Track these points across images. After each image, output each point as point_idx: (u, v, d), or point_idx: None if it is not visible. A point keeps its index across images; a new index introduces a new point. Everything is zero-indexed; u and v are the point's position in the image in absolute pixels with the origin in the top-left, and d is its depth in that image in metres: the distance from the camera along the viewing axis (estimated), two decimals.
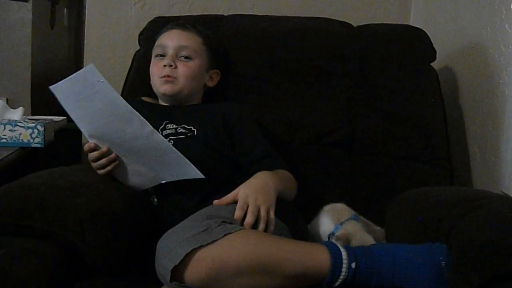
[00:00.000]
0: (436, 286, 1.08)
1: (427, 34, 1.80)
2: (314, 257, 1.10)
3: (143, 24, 1.89)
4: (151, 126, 1.27)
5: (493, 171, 1.65)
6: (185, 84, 1.58)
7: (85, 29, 2.19)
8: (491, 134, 1.67)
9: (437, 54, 1.79)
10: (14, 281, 1.03)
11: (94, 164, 1.38)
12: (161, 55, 1.61)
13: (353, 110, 1.75)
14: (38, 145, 1.71)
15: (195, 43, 1.62)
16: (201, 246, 1.05)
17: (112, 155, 1.35)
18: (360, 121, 1.74)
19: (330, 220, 1.44)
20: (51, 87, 1.26)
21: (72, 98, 1.28)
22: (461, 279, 1.02)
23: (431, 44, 1.78)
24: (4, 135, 1.70)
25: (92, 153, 1.36)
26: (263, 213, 1.22)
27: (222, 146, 1.53)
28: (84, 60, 2.20)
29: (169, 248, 1.07)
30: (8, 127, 1.70)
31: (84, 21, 2.20)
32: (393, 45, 1.79)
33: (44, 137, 1.71)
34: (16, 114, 1.84)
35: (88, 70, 1.23)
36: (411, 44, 1.79)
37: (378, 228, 1.51)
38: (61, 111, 1.32)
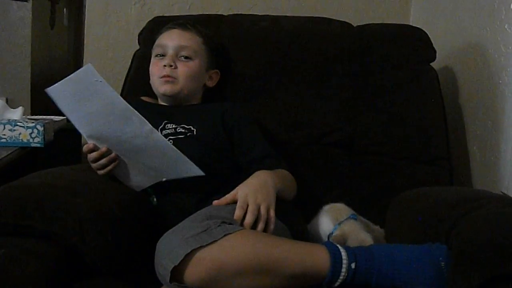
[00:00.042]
0: (436, 287, 1.08)
1: (427, 34, 1.80)
2: (314, 257, 1.10)
3: (143, 24, 1.89)
4: (150, 125, 1.27)
5: (493, 171, 1.65)
6: (185, 84, 1.58)
7: (85, 29, 2.19)
8: (491, 134, 1.67)
9: (437, 54, 1.79)
10: (14, 281, 1.02)
11: (94, 165, 1.38)
12: (161, 55, 1.61)
13: (353, 110, 1.75)
14: (38, 145, 1.71)
15: (195, 43, 1.62)
16: (201, 247, 1.04)
17: (112, 155, 1.35)
18: (360, 121, 1.74)
19: (329, 220, 1.44)
20: (48, 90, 1.25)
21: (70, 99, 1.27)
22: (461, 279, 1.02)
23: (431, 44, 1.78)
24: (4, 134, 1.70)
25: (91, 154, 1.36)
26: (263, 211, 1.22)
27: (222, 146, 1.53)
28: (84, 60, 2.20)
29: (168, 249, 1.07)
30: (8, 126, 1.70)
31: (84, 21, 2.21)
32: (393, 45, 1.79)
33: (43, 137, 1.71)
34: (16, 113, 1.83)
35: (86, 70, 1.23)
36: (411, 44, 1.79)
37: (378, 228, 1.51)
38: (61, 111, 1.32)
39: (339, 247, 1.12)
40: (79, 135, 1.36)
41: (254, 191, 1.26)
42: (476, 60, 1.77)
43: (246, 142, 1.55)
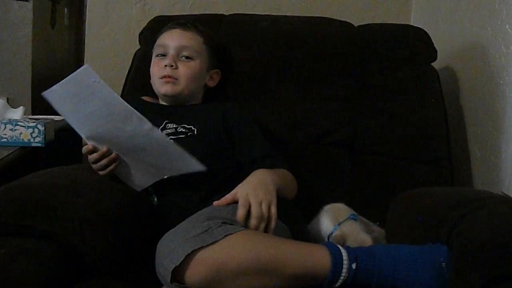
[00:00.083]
0: (436, 287, 1.08)
1: (428, 34, 1.80)
2: (315, 258, 1.10)
3: (144, 24, 1.89)
4: (150, 123, 1.27)
5: (494, 172, 1.65)
6: (186, 85, 1.58)
7: (86, 29, 2.19)
8: (492, 134, 1.67)
9: (437, 54, 1.79)
10: (14, 281, 1.02)
11: (95, 166, 1.38)
12: (162, 55, 1.61)
13: (353, 110, 1.75)
14: (39, 145, 1.71)
15: (196, 43, 1.62)
16: (202, 247, 1.04)
17: (113, 155, 1.35)
18: (360, 121, 1.74)
19: (329, 220, 1.44)
20: (44, 93, 1.25)
21: (68, 101, 1.27)
22: (461, 280, 1.02)
23: (432, 44, 1.78)
24: (5, 134, 1.70)
25: (92, 155, 1.36)
26: (264, 209, 1.22)
27: (222, 146, 1.53)
28: (85, 59, 2.20)
29: (169, 249, 1.07)
30: (9, 126, 1.70)
31: (85, 20, 2.21)
32: (394, 45, 1.79)
33: (44, 137, 1.71)
34: (17, 113, 1.83)
35: (84, 71, 1.22)
36: (412, 44, 1.79)
37: (378, 228, 1.51)
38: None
39: (340, 247, 1.12)
40: (80, 135, 1.36)
41: (254, 189, 1.26)
42: (476, 60, 1.77)
43: (247, 142, 1.55)
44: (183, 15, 1.90)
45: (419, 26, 1.86)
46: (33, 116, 1.94)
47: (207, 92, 1.70)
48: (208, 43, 1.65)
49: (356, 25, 1.87)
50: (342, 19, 1.88)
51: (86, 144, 1.37)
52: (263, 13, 1.92)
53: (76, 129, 1.33)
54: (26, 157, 1.71)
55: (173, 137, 1.49)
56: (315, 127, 1.73)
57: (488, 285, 0.98)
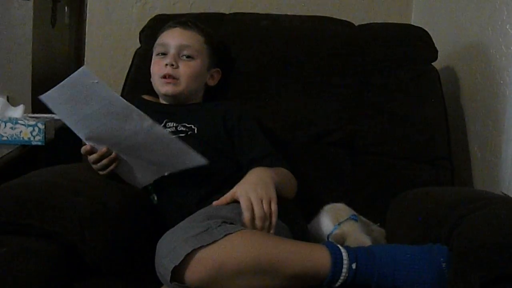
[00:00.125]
0: (437, 287, 1.08)
1: (428, 34, 1.79)
2: (314, 258, 1.10)
3: (145, 23, 1.89)
4: (150, 119, 1.27)
5: (494, 172, 1.65)
6: (186, 84, 1.58)
7: (86, 27, 2.19)
8: (492, 134, 1.67)
9: (438, 54, 1.78)
10: (14, 280, 1.02)
11: (95, 166, 1.37)
12: (162, 54, 1.60)
13: (354, 110, 1.74)
14: (39, 143, 1.71)
15: (197, 42, 1.62)
16: (202, 247, 1.04)
17: (113, 155, 1.35)
18: (361, 121, 1.73)
19: (330, 220, 1.44)
20: (42, 97, 1.24)
21: (66, 104, 1.27)
22: (461, 280, 1.02)
23: (433, 43, 1.78)
24: (5, 133, 1.70)
25: (92, 156, 1.36)
26: (266, 207, 1.22)
27: (223, 145, 1.53)
28: (85, 58, 2.20)
29: (169, 248, 1.06)
30: (9, 125, 1.70)
31: (85, 19, 2.21)
32: (395, 45, 1.79)
33: (44, 135, 1.71)
34: (17, 112, 1.83)
35: (81, 73, 1.21)
36: (412, 43, 1.79)
37: (378, 228, 1.51)
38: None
39: (340, 247, 1.12)
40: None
41: (253, 187, 1.25)
42: (477, 60, 1.77)
43: (247, 141, 1.55)
44: (184, 14, 1.90)
45: (419, 26, 1.86)
46: (33, 115, 1.94)
47: (207, 91, 1.70)
48: (208, 42, 1.65)
49: (356, 24, 1.87)
50: (342, 19, 1.88)
51: (85, 144, 1.37)
52: (264, 12, 1.92)
53: (75, 131, 1.33)
54: (26, 156, 1.71)
55: (173, 136, 1.49)
56: (315, 126, 1.73)
57: (488, 286, 0.98)
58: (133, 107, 1.25)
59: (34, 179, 1.26)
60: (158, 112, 1.58)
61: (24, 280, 1.03)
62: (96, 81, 1.21)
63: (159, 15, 1.89)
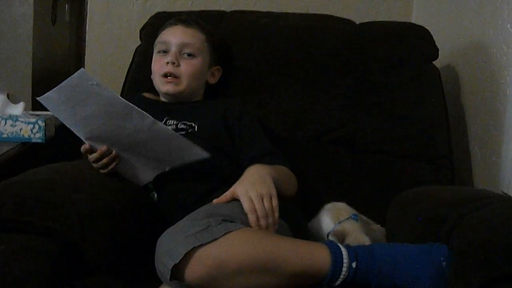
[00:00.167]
0: (436, 286, 1.08)
1: (429, 32, 1.79)
2: (315, 256, 1.10)
3: (145, 21, 1.89)
4: (151, 117, 1.27)
5: (494, 171, 1.65)
6: (187, 83, 1.58)
7: (87, 25, 2.19)
8: (492, 133, 1.67)
9: (439, 53, 1.78)
10: (14, 278, 1.02)
11: (96, 165, 1.37)
12: (163, 51, 1.60)
13: (354, 108, 1.74)
14: (39, 141, 1.71)
15: (199, 40, 1.61)
16: (202, 245, 1.04)
17: (113, 153, 1.35)
18: (361, 119, 1.73)
19: (330, 219, 1.44)
20: (40, 98, 1.24)
21: (64, 105, 1.26)
22: (461, 279, 1.02)
23: (434, 42, 1.78)
24: (5, 130, 1.70)
25: (92, 155, 1.36)
26: (267, 204, 1.22)
27: (223, 143, 1.53)
28: (86, 55, 2.20)
29: (169, 247, 1.06)
30: (9, 122, 1.70)
31: (86, 17, 2.20)
32: (396, 43, 1.79)
33: (44, 133, 1.71)
34: (17, 109, 1.83)
35: (79, 76, 1.21)
36: (413, 42, 1.79)
37: (379, 227, 1.51)
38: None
39: (340, 246, 1.12)
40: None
41: (253, 185, 1.25)
42: (478, 59, 1.77)
43: (247, 139, 1.55)
44: (185, 12, 1.90)
45: (420, 24, 1.86)
46: (34, 112, 1.94)
47: (208, 89, 1.70)
48: (210, 40, 1.65)
49: (357, 22, 1.87)
50: (343, 17, 1.88)
51: (85, 143, 1.36)
52: (264, 10, 1.92)
53: (74, 131, 1.33)
54: (26, 153, 1.70)
55: None
56: (315, 124, 1.73)
57: (488, 285, 0.98)
58: (133, 106, 1.25)
59: (34, 176, 1.26)
60: (159, 109, 1.58)
61: (23, 278, 1.03)
62: (95, 83, 1.21)
63: (160, 12, 1.89)
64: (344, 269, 1.08)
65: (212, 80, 1.69)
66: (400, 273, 1.09)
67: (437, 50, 1.78)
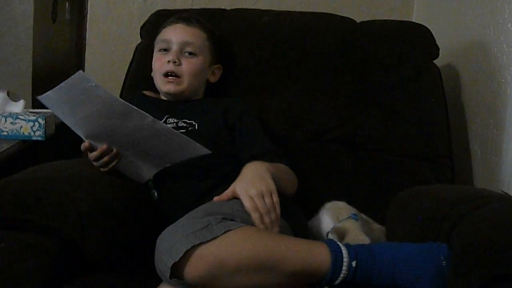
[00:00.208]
0: (436, 286, 1.08)
1: (430, 31, 1.79)
2: (315, 255, 1.10)
3: (146, 18, 1.88)
4: (151, 117, 1.27)
5: (494, 170, 1.65)
6: (189, 82, 1.58)
7: (87, 23, 2.19)
8: (493, 133, 1.67)
9: (439, 52, 1.78)
10: (13, 276, 1.02)
11: (96, 163, 1.37)
12: (164, 50, 1.60)
13: (354, 107, 1.74)
14: (39, 138, 1.71)
15: (200, 39, 1.61)
16: (202, 243, 1.04)
17: (114, 151, 1.34)
18: (361, 118, 1.73)
19: (330, 218, 1.43)
20: (40, 98, 1.24)
21: (64, 105, 1.27)
22: (461, 279, 1.02)
23: (434, 41, 1.78)
24: (5, 127, 1.70)
25: (92, 154, 1.35)
26: (268, 201, 1.22)
27: (223, 141, 1.53)
28: (86, 53, 2.19)
29: (169, 245, 1.06)
30: (9, 119, 1.70)
31: (86, 15, 2.20)
32: (396, 42, 1.79)
33: (45, 130, 1.71)
34: (17, 107, 1.83)
35: (78, 77, 1.21)
36: (414, 40, 1.78)
37: (379, 226, 1.51)
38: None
39: (340, 245, 1.12)
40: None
41: (252, 183, 1.25)
42: (478, 59, 1.77)
43: (247, 138, 1.55)
44: (185, 10, 1.89)
45: (421, 23, 1.86)
46: (34, 110, 1.94)
47: (208, 87, 1.69)
48: (211, 39, 1.64)
49: (358, 21, 1.86)
50: (344, 15, 1.88)
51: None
52: (265, 8, 1.92)
53: (74, 130, 1.33)
54: (26, 151, 1.71)
55: None
56: (315, 123, 1.73)
57: (488, 284, 0.98)
58: (132, 106, 1.25)
59: (34, 174, 1.26)
60: (159, 108, 1.58)
61: (23, 276, 1.03)
62: (93, 84, 1.21)
63: (160, 10, 1.89)
64: (344, 268, 1.08)
65: (213, 79, 1.68)
66: (400, 272, 1.09)
67: (438, 49, 1.77)
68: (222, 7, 1.92)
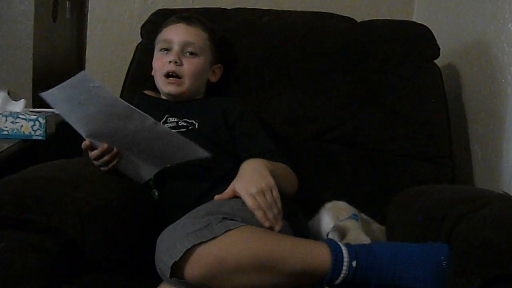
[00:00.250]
0: (437, 286, 1.08)
1: (430, 31, 1.79)
2: (315, 255, 1.10)
3: (146, 17, 1.88)
4: (152, 119, 1.27)
5: (494, 171, 1.65)
6: (190, 83, 1.58)
7: (88, 22, 2.19)
8: (493, 133, 1.67)
9: (440, 51, 1.78)
10: (13, 275, 1.02)
11: (96, 162, 1.37)
12: (165, 49, 1.59)
13: (355, 106, 1.74)
14: (40, 138, 1.71)
15: (201, 39, 1.61)
16: (202, 243, 1.04)
17: (115, 151, 1.34)
18: (362, 118, 1.73)
19: (330, 218, 1.43)
20: (43, 94, 1.24)
21: (66, 103, 1.27)
22: (462, 279, 1.01)
23: (435, 41, 1.78)
24: (6, 127, 1.70)
25: (93, 152, 1.35)
26: (269, 197, 1.22)
27: (223, 141, 1.53)
28: (86, 52, 2.19)
29: (169, 244, 1.06)
30: (10, 119, 1.70)
31: (87, 14, 2.20)
32: (397, 41, 1.79)
33: (45, 130, 1.71)
34: (18, 106, 1.84)
35: (80, 78, 1.21)
36: (414, 40, 1.78)
37: (379, 226, 1.51)
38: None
39: (341, 244, 1.12)
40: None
41: (251, 181, 1.25)
42: (479, 59, 1.77)
43: (248, 138, 1.55)
44: (186, 9, 1.89)
45: (422, 23, 1.85)
46: (34, 109, 1.94)
47: (209, 87, 1.69)
48: (212, 39, 1.64)
49: (359, 21, 1.86)
50: (345, 15, 1.88)
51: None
52: (266, 8, 1.92)
53: (75, 128, 1.33)
54: (26, 150, 1.71)
55: (174, 130, 1.48)
56: (316, 123, 1.73)
57: (488, 285, 0.98)
58: (134, 108, 1.25)
59: (34, 173, 1.26)
60: (160, 107, 1.58)
61: (23, 276, 1.03)
62: (96, 85, 1.21)
63: (161, 9, 1.89)
64: (344, 268, 1.08)
65: (213, 79, 1.68)
66: (400, 272, 1.09)
67: (438, 48, 1.77)
68: (223, 7, 1.92)
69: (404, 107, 1.73)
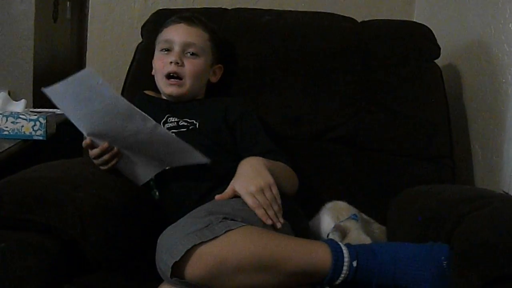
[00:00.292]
0: (437, 286, 1.08)
1: (431, 31, 1.79)
2: (315, 255, 1.10)
3: (147, 17, 1.88)
4: (153, 121, 1.27)
5: (495, 171, 1.65)
6: (191, 84, 1.57)
7: (88, 22, 2.19)
8: (493, 133, 1.67)
9: (440, 51, 1.78)
10: (13, 275, 1.02)
11: (96, 161, 1.37)
12: (166, 50, 1.59)
13: (355, 106, 1.74)
14: (40, 138, 1.72)
15: (202, 40, 1.61)
16: (202, 243, 1.04)
17: (115, 150, 1.34)
18: (362, 118, 1.73)
19: (330, 218, 1.43)
20: (45, 90, 1.24)
21: (69, 100, 1.26)
22: (462, 279, 1.02)
23: (435, 40, 1.78)
24: (6, 127, 1.70)
25: (93, 151, 1.35)
26: (269, 195, 1.22)
27: (224, 141, 1.53)
28: (87, 52, 2.19)
29: (169, 244, 1.06)
30: (10, 119, 1.70)
31: (87, 14, 2.20)
32: (397, 41, 1.78)
33: (46, 130, 1.71)
34: (19, 106, 1.84)
35: (85, 74, 1.21)
36: (415, 40, 1.78)
37: (379, 226, 1.51)
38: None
39: (341, 244, 1.12)
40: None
41: (250, 180, 1.25)
42: (479, 59, 1.77)
43: (248, 137, 1.55)
44: (186, 9, 1.89)
45: (422, 23, 1.85)
46: (35, 109, 1.95)
47: (209, 87, 1.69)
48: (212, 39, 1.64)
49: (359, 20, 1.86)
50: (345, 15, 1.88)
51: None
52: (266, 8, 1.92)
53: (77, 126, 1.33)
54: (27, 150, 1.71)
55: (174, 130, 1.48)
56: (316, 123, 1.73)
57: (489, 285, 0.98)
58: (136, 109, 1.25)
59: (35, 174, 1.26)
60: (160, 107, 1.58)
61: (23, 276, 1.03)
62: (100, 82, 1.21)
63: (162, 9, 1.89)
64: (345, 268, 1.08)
65: (214, 79, 1.68)
66: (400, 273, 1.09)
67: (439, 48, 1.77)
68: (224, 7, 1.92)
69: (404, 107, 1.72)
